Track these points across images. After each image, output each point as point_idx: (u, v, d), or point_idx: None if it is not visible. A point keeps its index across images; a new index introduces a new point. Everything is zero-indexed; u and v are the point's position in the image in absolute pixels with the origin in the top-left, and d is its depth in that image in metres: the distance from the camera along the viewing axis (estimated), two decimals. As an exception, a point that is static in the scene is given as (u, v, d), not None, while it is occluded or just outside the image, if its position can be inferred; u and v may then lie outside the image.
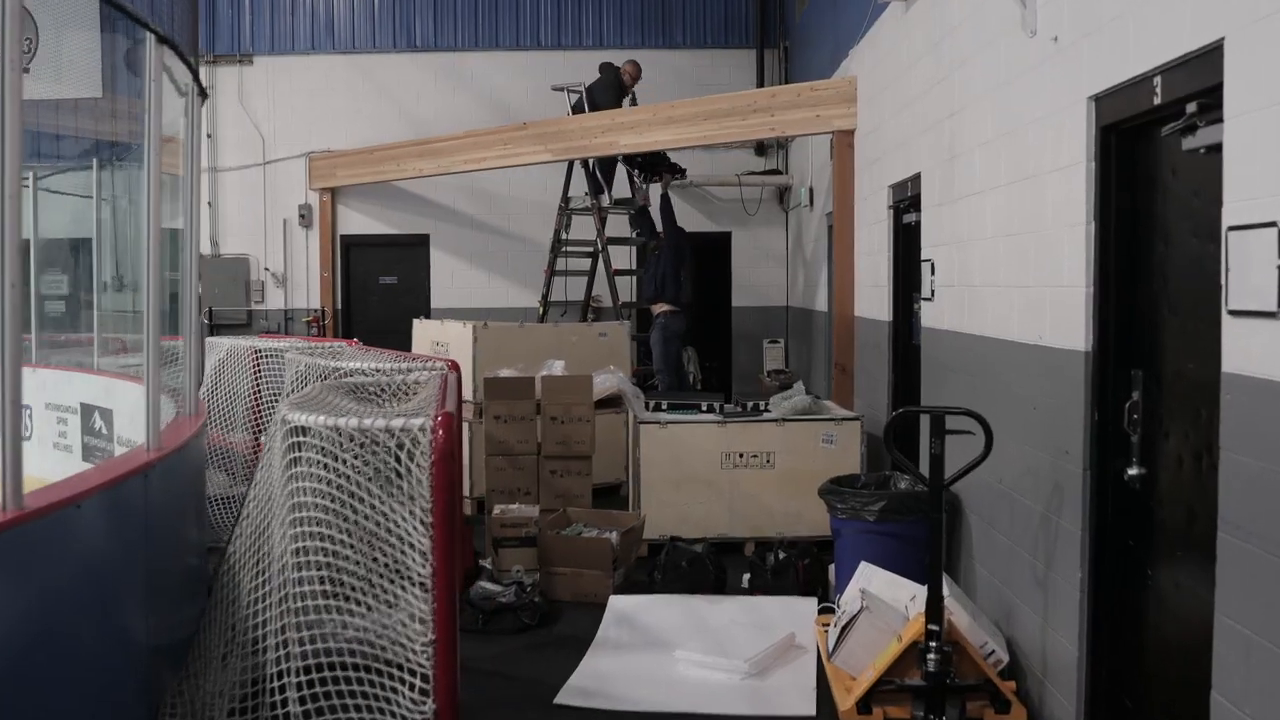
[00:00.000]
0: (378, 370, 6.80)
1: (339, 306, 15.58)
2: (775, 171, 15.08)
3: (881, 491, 6.56)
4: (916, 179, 7.62)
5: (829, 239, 11.75)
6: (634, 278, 13.86)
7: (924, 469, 6.79)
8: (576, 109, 12.65)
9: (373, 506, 4.00)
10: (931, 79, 7.16)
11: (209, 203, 15.49)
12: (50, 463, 10.89)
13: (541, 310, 13.24)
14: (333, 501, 4.07)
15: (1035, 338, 5.14)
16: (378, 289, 15.74)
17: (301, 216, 15.41)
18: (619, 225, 13.59)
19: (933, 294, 7.14)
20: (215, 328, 15.40)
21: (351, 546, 4.04)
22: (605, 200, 12.76)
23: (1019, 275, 5.40)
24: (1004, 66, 5.65)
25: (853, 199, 9.99)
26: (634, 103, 12.79)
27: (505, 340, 10.05)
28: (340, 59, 15.41)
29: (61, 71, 15.66)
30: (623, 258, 13.80)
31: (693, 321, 12.62)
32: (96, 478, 4.36)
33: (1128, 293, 4.48)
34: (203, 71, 15.19)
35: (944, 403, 6.72)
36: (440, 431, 3.87)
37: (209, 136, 15.44)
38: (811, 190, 12.83)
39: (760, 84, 14.63)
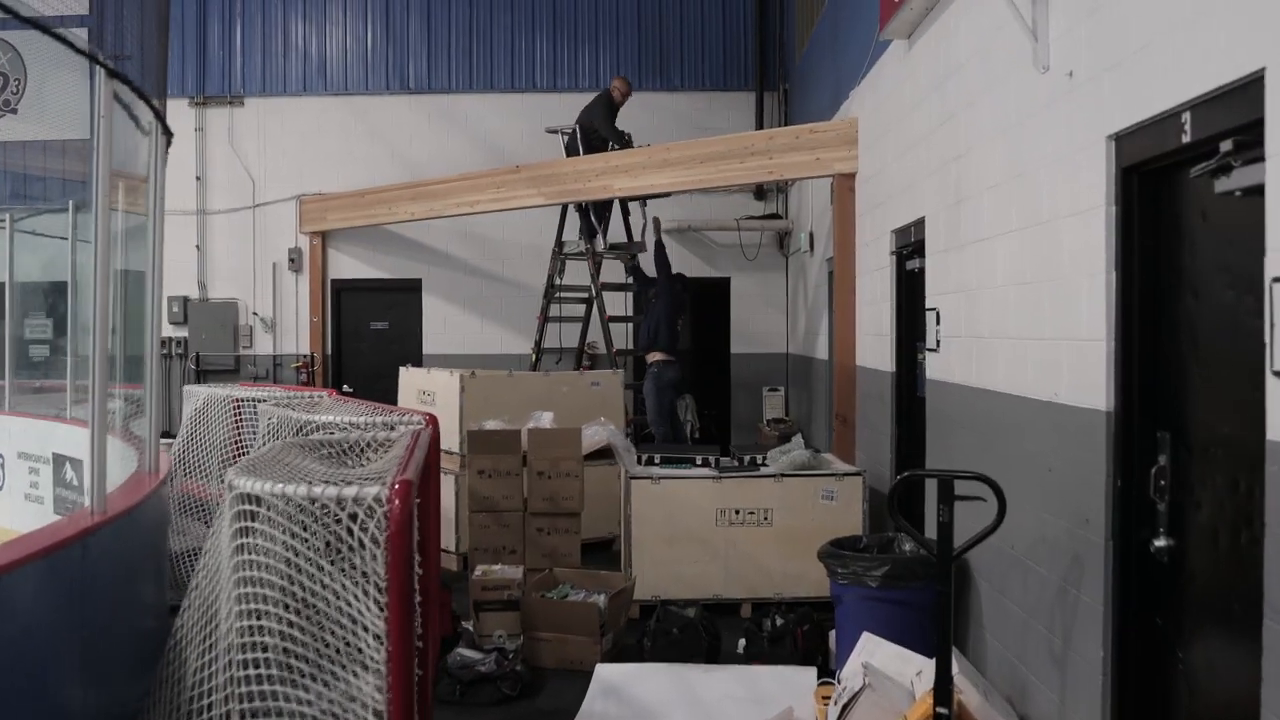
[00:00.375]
0: (350, 425, 6.45)
1: (329, 352, 15.23)
2: (775, 216, 14.77)
3: (885, 556, 6.16)
4: (920, 224, 7.28)
5: (830, 285, 11.41)
6: (629, 324, 13.50)
7: (928, 529, 6.43)
8: (570, 150, 12.35)
9: (323, 583, 3.62)
10: (936, 119, 6.84)
11: (197, 246, 15.20)
12: (22, 515, 10.53)
13: (534, 357, 12.89)
14: (280, 576, 3.69)
15: (1051, 394, 4.77)
16: (368, 335, 15.40)
17: (291, 260, 15.10)
18: (614, 270, 13.27)
19: (938, 344, 6.78)
20: (203, 373, 15.09)
21: (300, 627, 3.66)
22: (600, 244, 12.44)
23: (1032, 327, 5.04)
24: (1014, 105, 5.31)
25: (854, 244, 9.66)
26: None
27: (494, 390, 9.69)
28: (332, 100, 15.15)
29: (47, 112, 15.42)
30: (618, 304, 13.44)
31: (688, 370, 12.27)
32: (26, 546, 4.00)
33: (1153, 348, 4.12)
34: (192, 113, 15.05)
35: (951, 461, 6.35)
36: (396, 502, 3.50)
37: (198, 179, 15.19)
38: (812, 235, 12.51)
39: (760, 127, 14.36)
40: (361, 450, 5.33)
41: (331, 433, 6.43)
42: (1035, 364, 4.99)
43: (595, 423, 8.56)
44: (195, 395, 9.46)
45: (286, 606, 3.68)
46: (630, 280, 12.71)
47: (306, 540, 3.66)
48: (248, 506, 3.80)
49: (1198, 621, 3.85)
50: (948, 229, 6.56)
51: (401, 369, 10.42)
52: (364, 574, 3.56)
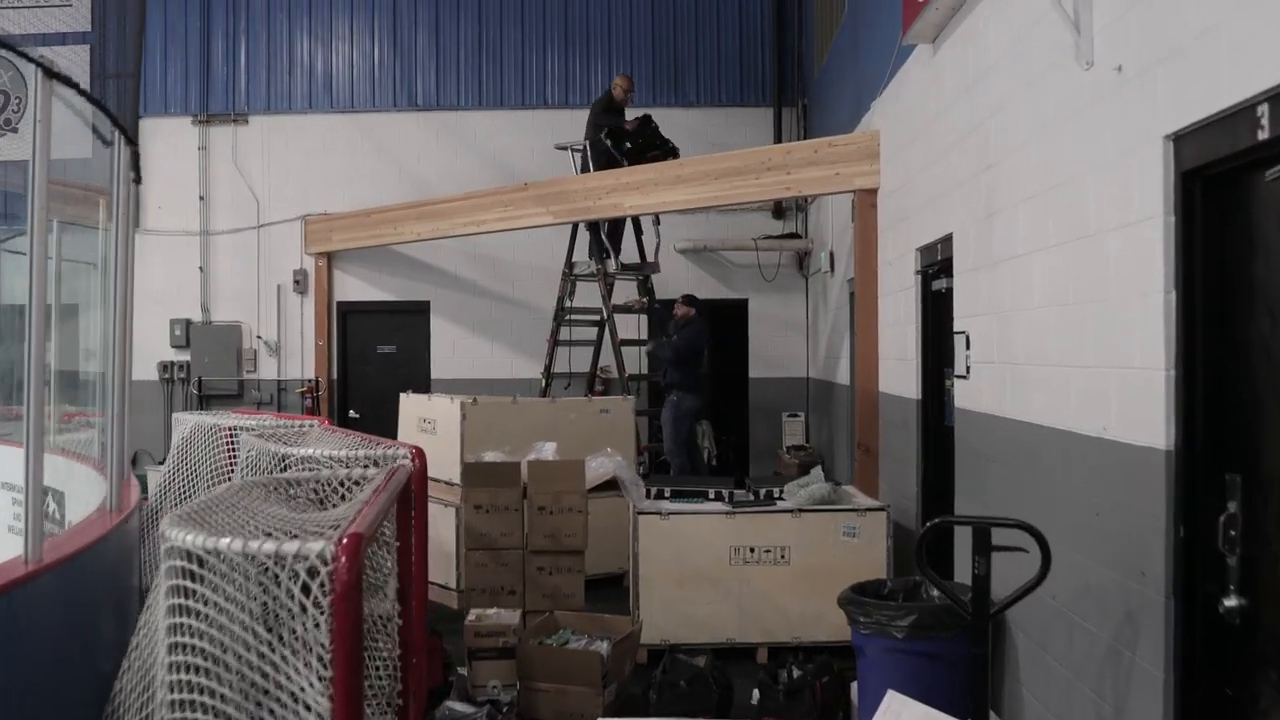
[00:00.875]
0: (331, 460, 5.96)
1: (334, 377, 14.78)
2: (794, 235, 14.26)
3: (911, 604, 5.62)
4: (948, 241, 6.77)
5: (851, 307, 10.90)
6: (641, 348, 13.02)
7: (958, 572, 5.88)
8: (582, 168, 11.89)
9: (260, 654, 3.12)
10: (964, 128, 6.33)
11: (200, 267, 14.79)
12: (6, 547, 10.07)
13: (544, 382, 12.41)
14: (213, 644, 3.20)
15: (1099, 429, 4.24)
16: (375, 358, 14.94)
17: (296, 282, 14.68)
18: (626, 292, 12.78)
19: (968, 371, 6.26)
20: (205, 398, 14.67)
21: (236, 704, 3.16)
22: (612, 265, 11.95)
23: (1075, 353, 4.51)
24: (1053, 107, 4.80)
25: (876, 264, 9.15)
26: (635, 120, 12.08)
27: (497, 418, 9.20)
28: (339, 118, 14.75)
29: (55, 131, 15.03)
30: (630, 327, 12.97)
31: (704, 395, 11.79)
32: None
33: (1220, 378, 3.60)
34: (196, 131, 14.68)
35: (984, 498, 5.82)
36: (343, 559, 3.00)
37: (201, 199, 14.80)
38: (832, 255, 11.99)
39: (777, 142, 13.86)
40: (335, 489, 4.84)
41: (311, 468, 5.97)
42: (1079, 394, 4.46)
43: (600, 454, 8.05)
44: (183, 423, 9.00)
45: (220, 679, 3.19)
46: (643, 302, 12.24)
47: (242, 603, 3.16)
48: (178, 562, 3.31)
49: (1277, 693, 3.32)
50: (978, 246, 6.05)
51: (402, 396, 9.95)
52: (306, 645, 3.06)
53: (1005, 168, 5.50)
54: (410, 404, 9.87)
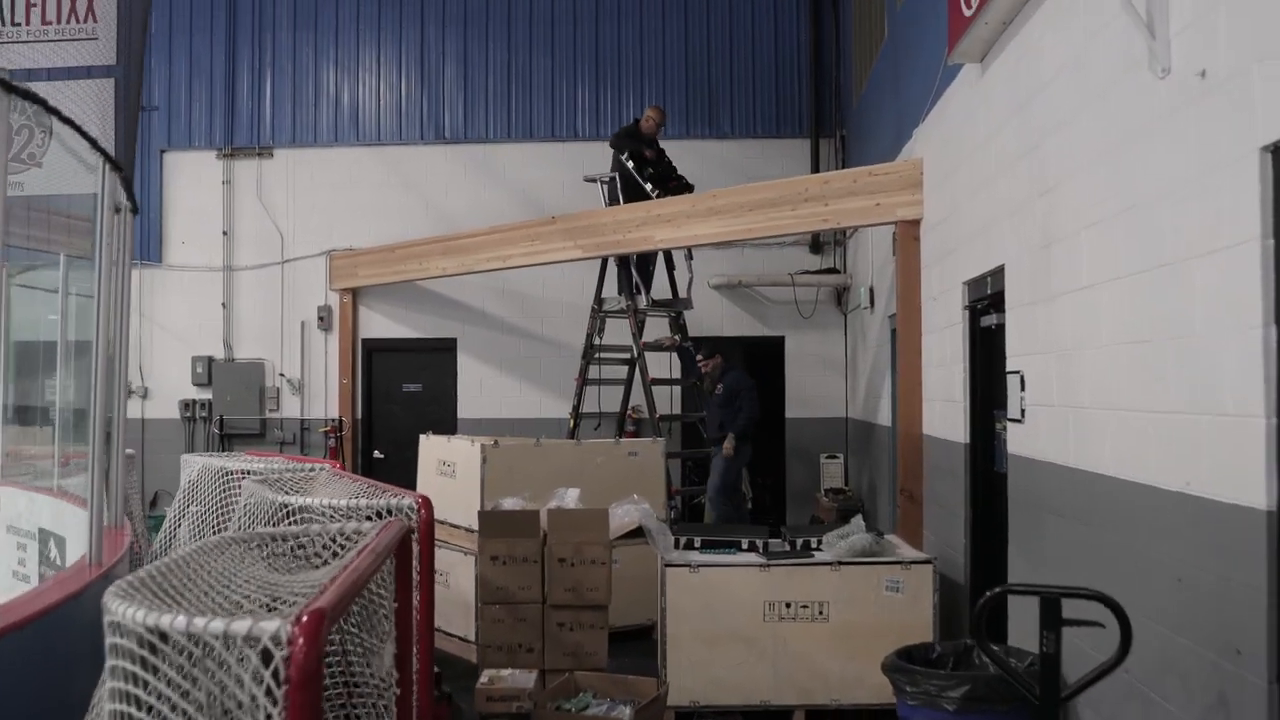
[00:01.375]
0: (331, 509, 5.52)
1: (359, 416, 14.39)
2: (832, 270, 13.78)
3: (964, 673, 5.09)
4: (999, 273, 6.28)
5: (892, 345, 10.40)
6: (674, 387, 12.56)
7: (1012, 633, 5.35)
8: (611, 200, 11.48)
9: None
10: (1016, 151, 5.85)
11: (223, 303, 14.47)
12: (8, 595, 9.70)
13: (572, 423, 11.94)
14: (154, 737, 2.74)
15: (1182, 483, 3.73)
16: (400, 397, 14.54)
17: (320, 319, 14.32)
18: (657, 328, 12.33)
19: (1022, 414, 5.75)
20: (226, 438, 14.32)
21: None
22: (642, 301, 11.51)
23: (1152, 396, 4.00)
24: (1121, 122, 4.32)
25: (919, 299, 8.65)
26: (655, 150, 11.78)
27: (519, 461, 8.74)
28: (365, 151, 14.43)
29: (72, 165, 14.81)
30: (661, 365, 12.51)
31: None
32: None
33: (1334, 427, 3.09)
34: (220, 165, 14.40)
35: (1042, 556, 5.30)
36: (301, 641, 2.53)
37: (225, 234, 14.50)
38: (872, 291, 11.49)
39: (815, 174, 13.40)
40: (327, 544, 4.38)
41: (310, 518, 5.54)
42: (1158, 443, 3.95)
43: (626, 501, 7.56)
44: (190, 465, 8.60)
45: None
46: (675, 339, 11.78)
47: (187, 692, 2.71)
48: (119, 639, 2.86)
49: None
50: (1033, 278, 5.55)
51: (422, 438, 9.51)
52: (255, 742, 2.59)
53: (1065, 192, 5.01)
54: (430, 446, 9.43)
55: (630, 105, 14.11)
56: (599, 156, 12.67)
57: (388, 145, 14.41)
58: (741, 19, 14.14)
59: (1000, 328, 6.44)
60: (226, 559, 3.78)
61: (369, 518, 5.48)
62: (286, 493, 6.15)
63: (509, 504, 7.38)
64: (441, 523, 8.97)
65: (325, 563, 4.25)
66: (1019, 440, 5.84)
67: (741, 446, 10.98)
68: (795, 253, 13.97)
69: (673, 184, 11.41)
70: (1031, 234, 5.56)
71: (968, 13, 6.14)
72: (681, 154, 13.39)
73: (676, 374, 12.72)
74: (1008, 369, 6.02)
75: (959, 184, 7.35)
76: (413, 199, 14.29)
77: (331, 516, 5.48)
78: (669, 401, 12.92)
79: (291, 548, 4.28)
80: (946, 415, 7.77)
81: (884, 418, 10.90)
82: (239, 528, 6.54)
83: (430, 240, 13.11)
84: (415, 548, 5.33)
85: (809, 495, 13.77)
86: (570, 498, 7.33)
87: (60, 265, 10.24)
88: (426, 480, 9.35)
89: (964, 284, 7.20)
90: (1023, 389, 5.72)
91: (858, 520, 7.28)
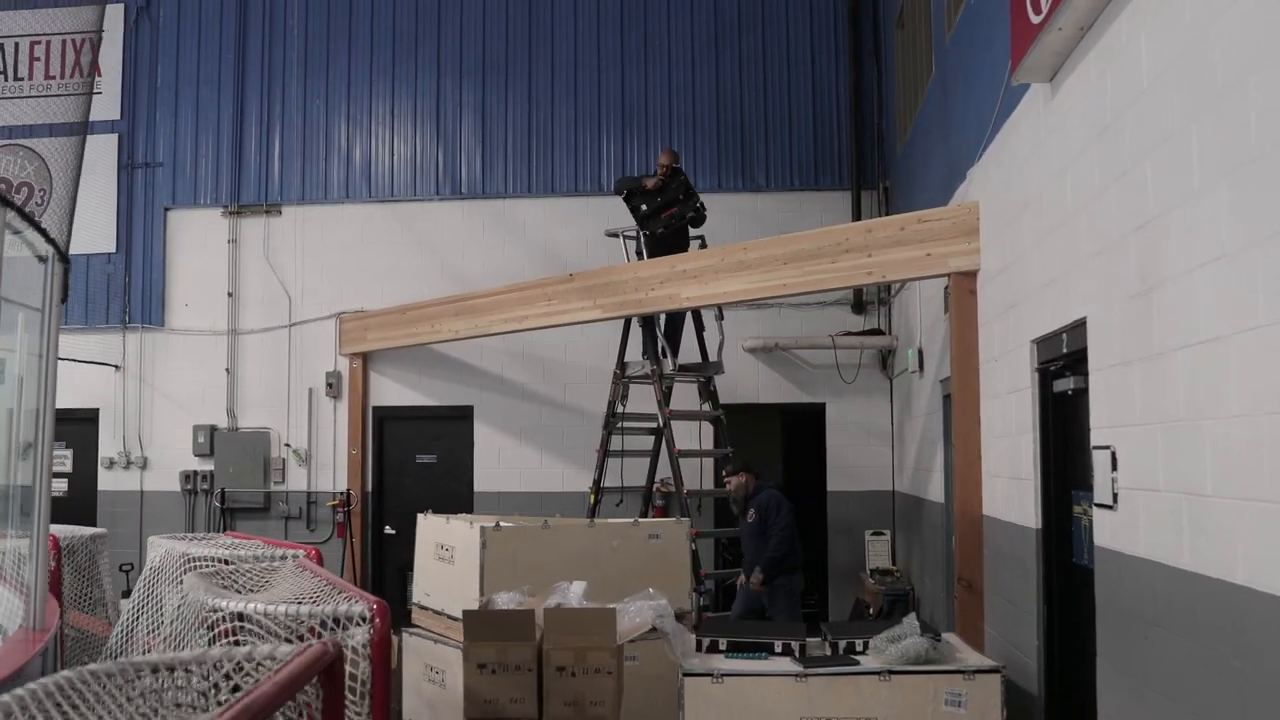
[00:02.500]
0: (266, 616, 4.55)
1: (369, 489, 13.46)
2: (876, 331, 12.75)
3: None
4: (1078, 328, 5.26)
5: (945, 413, 9.35)
6: (703, 459, 11.54)
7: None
8: (637, 254, 10.57)
9: None
10: (1101, 179, 4.86)
11: (227, 369, 13.64)
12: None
13: (592, 498, 10.93)
14: None
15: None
16: (413, 469, 13.60)
17: (329, 385, 13.45)
18: (686, 396, 11.34)
19: (1114, 499, 4.70)
20: (229, 512, 13.43)
21: None
22: (669, 366, 10.52)
23: (1318, 486, 2.97)
24: (1259, 123, 3.32)
25: (976, 361, 7.62)
26: (660, 191, 10.92)
27: (524, 546, 7.72)
28: (377, 208, 13.63)
29: (77, 224, 14.10)
30: (689, 435, 11.52)
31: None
32: None
33: None
34: (226, 224, 13.61)
35: (1145, 677, 4.22)
36: None
37: (230, 295, 13.71)
38: (921, 353, 10.45)
39: (857, 230, 12.45)
40: (230, 674, 3.40)
41: (243, 626, 4.59)
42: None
43: (640, 596, 6.51)
44: (155, 549, 7.67)
45: None
46: (705, 410, 10.80)
47: None
48: None
49: None
50: (1127, 331, 4.53)
51: (420, 518, 8.50)
52: None
53: (1174, 222, 4.01)
54: (428, 527, 8.42)
55: (656, 157, 13.23)
56: (622, 210, 11.76)
57: (401, 201, 13.61)
58: (776, 64, 13.27)
59: (1080, 393, 5.42)
60: (87, 694, 2.84)
61: (312, 629, 4.52)
62: (235, 590, 5.25)
63: (504, 600, 6.37)
64: (439, 614, 8.02)
65: (219, 703, 3.28)
66: (1110, 530, 4.78)
67: (783, 580, 9.52)
68: (836, 313, 12.97)
69: (668, 213, 10.47)
70: (1124, 278, 4.55)
71: (1036, 19, 5.18)
72: (713, 208, 12.48)
73: (708, 445, 11.71)
74: (1093, 443, 4.98)
75: (1024, 228, 6.36)
76: (427, 258, 13.44)
77: (265, 627, 4.52)
78: (698, 475, 11.90)
79: (177, 682, 3.31)
80: (1012, 494, 6.71)
81: (935, 493, 9.83)
82: (170, 635, 5.62)
83: (442, 301, 12.23)
84: (366, 665, 4.36)
85: (853, 575, 12.67)
86: (574, 593, 6.30)
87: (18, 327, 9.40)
88: (424, 565, 8.35)
89: (1033, 342, 6.18)
90: (1114, 468, 4.68)
91: (911, 620, 6.20)
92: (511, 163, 13.49)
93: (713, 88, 13.32)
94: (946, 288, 8.65)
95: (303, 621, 4.45)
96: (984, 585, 7.45)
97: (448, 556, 8.09)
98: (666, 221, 10.55)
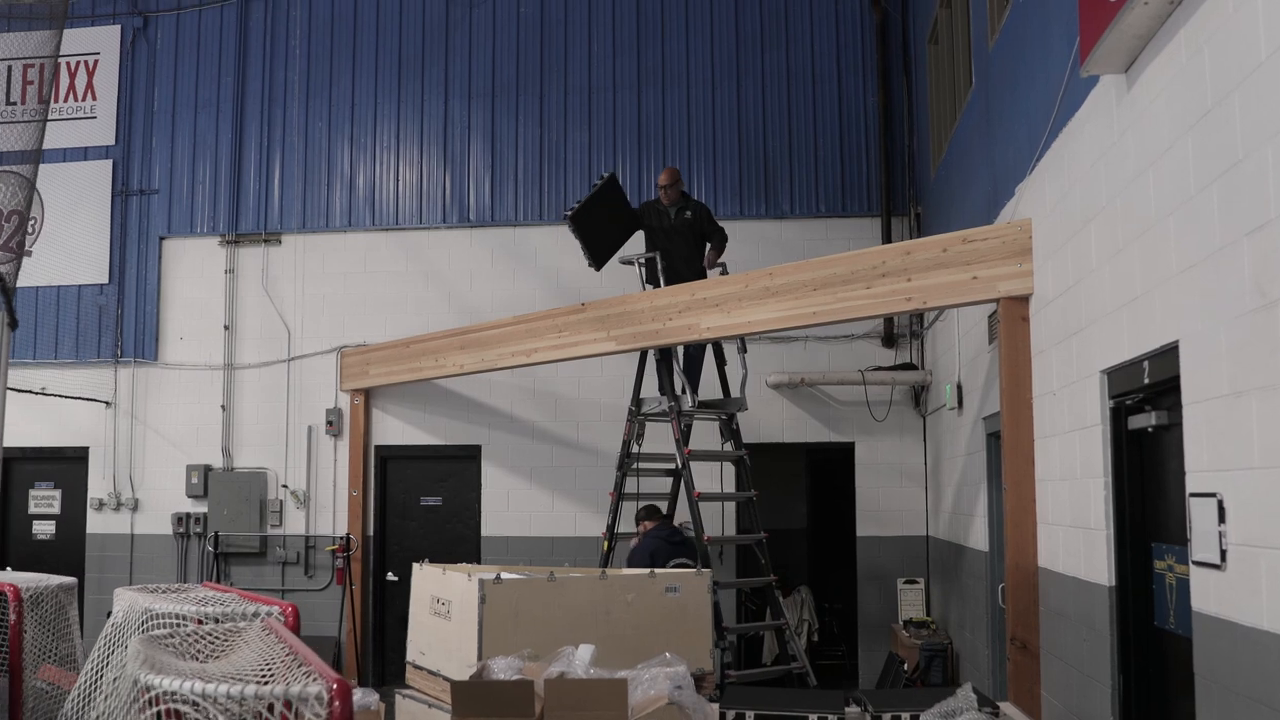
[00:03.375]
0: (200, 698, 3.80)
1: (370, 533, 12.71)
2: (909, 366, 11.97)
3: None
4: (1167, 354, 4.50)
5: (988, 453, 8.57)
6: (725, 503, 10.76)
7: None
8: (650, 280, 9.86)
9: None
10: (1196, 179, 4.11)
11: (222, 405, 12.95)
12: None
13: (605, 546, 10.14)
14: None
15: None
16: (417, 512, 12.85)
17: (329, 423, 12.73)
18: (707, 435, 10.59)
19: (1222, 556, 3.92)
20: (223, 557, 12.70)
21: None
22: (687, 402, 9.76)
23: None
24: None
25: (1029, 395, 6.86)
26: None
27: (528, 601, 6.94)
28: (381, 236, 12.96)
29: (64, 255, 13.55)
30: (711, 477, 10.74)
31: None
32: None
33: None
34: (223, 253, 12.95)
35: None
36: None
37: (226, 328, 13.04)
38: (959, 388, 9.68)
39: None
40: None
41: (175, 709, 3.84)
42: None
43: (656, 661, 5.72)
44: (120, 601, 6.93)
45: None
46: (727, 449, 10.03)
47: None
48: None
49: None
50: (1239, 355, 3.77)
51: (415, 567, 7.74)
52: None
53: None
54: (423, 579, 7.65)
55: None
56: (639, 236, 11.05)
57: (406, 229, 12.94)
58: (801, 84, 12.57)
59: (1166, 430, 4.66)
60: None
61: (259, 714, 3.77)
62: (188, 657, 4.51)
63: (500, 668, 5.59)
64: (434, 674, 7.26)
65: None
66: (1216, 594, 4.00)
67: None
68: (865, 347, 12.21)
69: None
70: (1232, 292, 3.80)
71: (1115, -4, 4.45)
72: (734, 236, 11.77)
73: (730, 487, 10.94)
74: (1190, 490, 4.21)
75: (1090, 243, 5.61)
76: (433, 289, 12.75)
77: (204, 711, 3.78)
78: (719, 520, 11.13)
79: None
80: (1076, 545, 5.93)
81: (978, 540, 9.03)
82: (102, 714, 4.89)
83: (446, 334, 11.53)
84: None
85: (884, 626, 11.85)
86: (580, 660, 5.51)
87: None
88: (419, 620, 7.59)
89: (1103, 373, 5.41)
90: (1222, 520, 3.91)
91: (967, 692, 5.40)
92: (522, 188, 12.82)
93: (733, 109, 12.63)
94: (992, 315, 7.91)
95: (246, 704, 3.71)
96: (1040, 646, 6.66)
97: (444, 611, 7.33)
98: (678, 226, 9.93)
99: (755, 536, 9.67)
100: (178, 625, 5.93)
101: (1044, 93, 6.51)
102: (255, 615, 5.98)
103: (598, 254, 9.92)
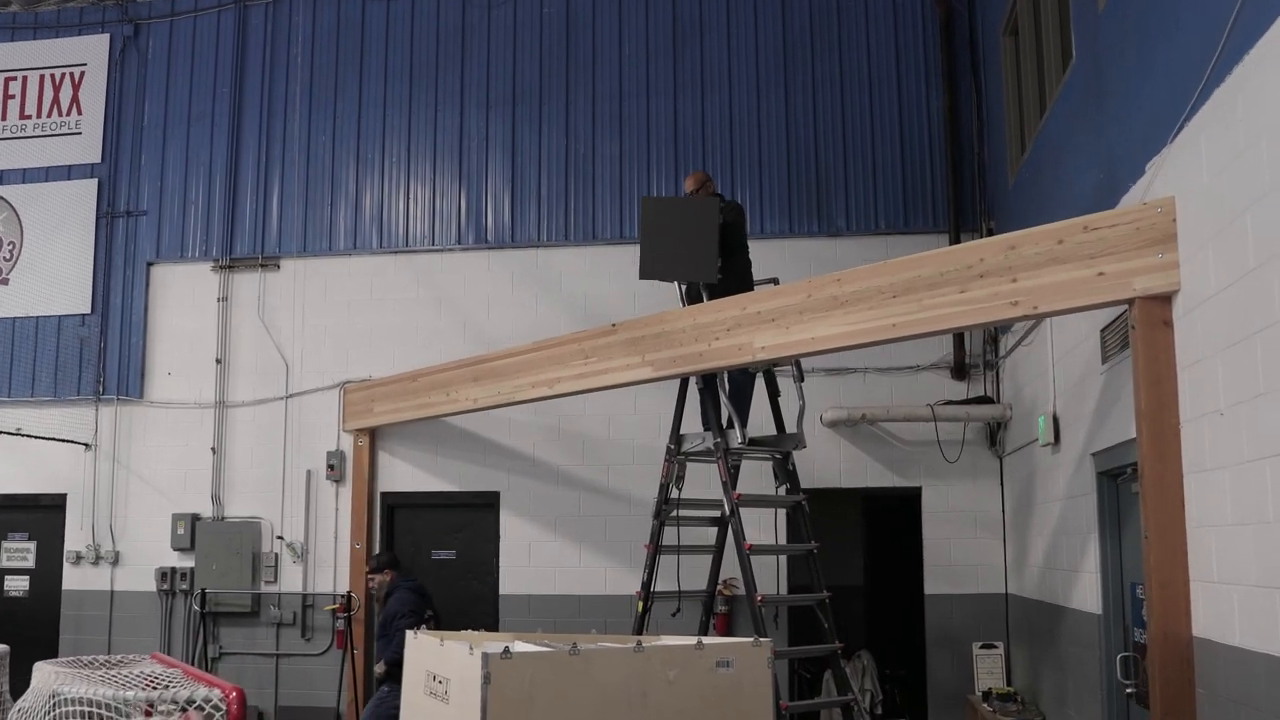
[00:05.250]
0: None
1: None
2: (984, 399, 10.55)
3: None
4: None
5: (1100, 496, 7.14)
6: (780, 557, 9.33)
7: None
8: (691, 298, 8.52)
9: None
10: None
11: (213, 448, 11.65)
12: None
13: (640, 606, 8.71)
14: None
15: None
16: (428, 566, 11.45)
17: (331, 467, 11.41)
18: (757, 476, 9.19)
19: None
20: (210, 617, 11.36)
21: None
22: (737, 438, 8.35)
23: None
24: None
25: (1176, 421, 5.45)
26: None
27: (545, 679, 5.51)
28: (389, 260, 11.69)
29: (45, 282, 12.34)
30: (764, 526, 9.32)
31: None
32: None
33: None
34: (216, 280, 11.62)
35: None
36: None
37: (218, 362, 11.78)
38: (1056, 420, 8.23)
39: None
40: None
41: None
42: None
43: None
44: (36, 678, 5.59)
45: None
46: (783, 493, 8.61)
47: None
48: None
49: None
50: None
51: (409, 636, 6.34)
52: None
53: None
54: (417, 650, 6.24)
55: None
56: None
57: (417, 252, 11.66)
58: (856, 88, 11.27)
59: None
60: None
61: None
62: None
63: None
64: (431, 770, 5.87)
65: None
66: None
67: (395, 691, 7.47)
68: (932, 379, 10.80)
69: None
70: None
71: None
72: (782, 256, 10.56)
73: (785, 538, 9.52)
74: None
75: (1273, 216, 4.22)
76: (447, 318, 11.45)
77: None
78: (773, 576, 9.71)
79: None
80: (1259, 611, 4.49)
81: (1084, 600, 7.57)
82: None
83: (457, 364, 10.20)
84: None
85: (958, 698, 10.36)
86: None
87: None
88: (412, 702, 6.17)
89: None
90: None
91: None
92: (546, 206, 11.52)
93: (781, 116, 11.32)
94: (1107, 328, 6.52)
95: None
96: (1202, 741, 5.20)
97: (441, 692, 5.91)
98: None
99: (817, 596, 8.22)
100: (89, 714, 4.61)
101: (1192, 41, 5.16)
102: (190, 704, 4.64)
103: (650, 260, 8.56)
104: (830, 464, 10.65)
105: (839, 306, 6.92)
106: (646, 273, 8.57)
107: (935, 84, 11.15)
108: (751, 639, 6.18)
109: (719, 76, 11.45)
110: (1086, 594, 7.52)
